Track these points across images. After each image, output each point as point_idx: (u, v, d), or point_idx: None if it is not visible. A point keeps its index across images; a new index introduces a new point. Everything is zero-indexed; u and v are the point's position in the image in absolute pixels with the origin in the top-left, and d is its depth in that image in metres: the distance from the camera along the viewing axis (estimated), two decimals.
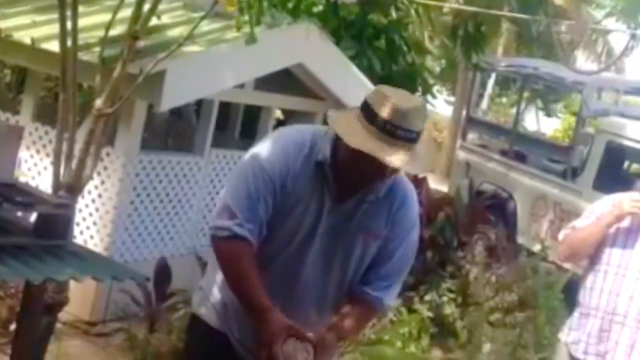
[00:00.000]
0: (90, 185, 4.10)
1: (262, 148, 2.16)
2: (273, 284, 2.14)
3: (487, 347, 4.79)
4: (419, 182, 5.98)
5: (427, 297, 5.03)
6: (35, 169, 4.40)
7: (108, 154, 4.14)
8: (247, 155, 2.19)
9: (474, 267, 5.00)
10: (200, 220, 4.83)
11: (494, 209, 6.74)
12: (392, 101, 2.02)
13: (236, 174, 2.21)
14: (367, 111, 2.05)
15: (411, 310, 4.78)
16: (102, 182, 4.22)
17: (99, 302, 4.25)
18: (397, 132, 2.02)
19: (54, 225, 2.51)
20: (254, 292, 2.12)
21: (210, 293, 2.31)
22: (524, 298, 4.90)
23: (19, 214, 2.83)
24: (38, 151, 4.40)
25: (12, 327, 3.79)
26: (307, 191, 2.12)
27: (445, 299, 4.98)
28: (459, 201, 6.17)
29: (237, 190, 2.13)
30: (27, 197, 2.47)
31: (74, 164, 3.13)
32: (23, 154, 4.30)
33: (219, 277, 2.27)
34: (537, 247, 6.07)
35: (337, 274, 2.22)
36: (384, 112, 2.02)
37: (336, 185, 2.12)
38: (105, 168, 4.19)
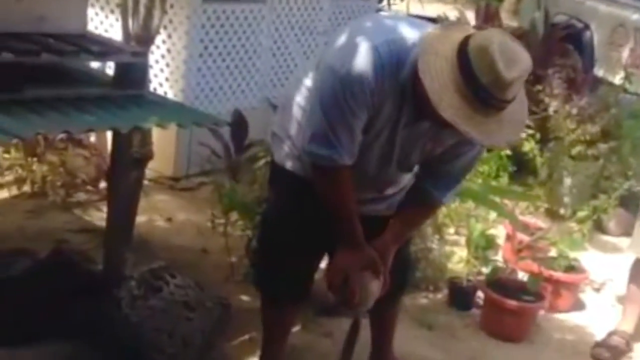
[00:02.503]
0: (157, 41, 4.04)
1: (351, 59, 1.98)
2: None
3: (568, 181, 4.72)
4: (491, 17, 5.70)
5: None
6: (102, 27, 4.36)
7: (172, 6, 4.04)
8: (334, 67, 2.02)
9: (552, 100, 4.80)
10: (268, 70, 4.76)
11: (570, 40, 6.38)
12: (498, 68, 1.79)
13: (329, 93, 2.04)
14: (466, 68, 1.82)
15: (489, 150, 4.69)
16: (169, 36, 4.16)
17: (180, 158, 4.34)
18: (491, 102, 1.83)
19: (132, 74, 2.51)
20: (351, 224, 2.16)
21: (292, 143, 2.28)
22: (606, 129, 4.72)
23: (95, 65, 2.82)
24: (102, 8, 4.34)
25: (101, 185, 3.94)
26: (389, 107, 2.04)
27: (523, 135, 4.85)
28: (534, 34, 5.86)
29: (333, 115, 2.02)
30: (103, 46, 2.45)
31: (140, 17, 3.06)
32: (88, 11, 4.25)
33: (298, 126, 2.24)
34: (616, 78, 5.78)
35: (407, 169, 2.27)
36: (485, 79, 1.80)
37: (415, 105, 2.02)
38: (170, 21, 4.11)
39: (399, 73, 1.98)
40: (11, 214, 3.68)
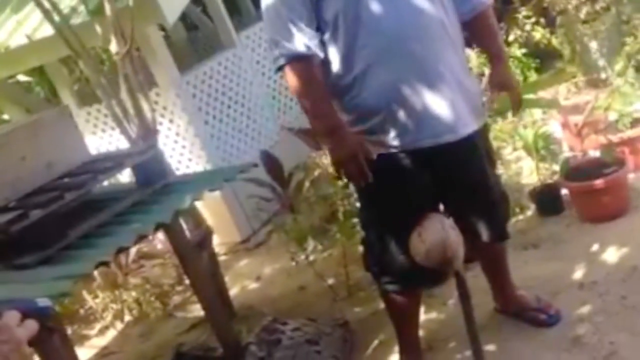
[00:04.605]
0: (164, 130, 4.18)
1: None
2: (399, 65, 2.16)
3: (593, 44, 4.59)
4: None
5: (511, 38, 4.83)
6: (112, 146, 4.52)
7: (158, 94, 4.17)
8: None
9: None
10: (271, 101, 4.84)
11: None
12: None
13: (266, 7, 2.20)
14: None
15: None
16: (171, 121, 4.28)
17: (239, 220, 4.42)
18: None
19: (152, 170, 2.60)
20: (331, 113, 2.19)
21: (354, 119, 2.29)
22: None
23: (118, 178, 2.92)
24: (103, 130, 4.51)
25: (186, 280, 4.05)
26: None
27: (528, 27, 4.76)
28: None
29: (270, 20, 2.17)
30: (113, 160, 2.55)
31: (133, 118, 3.18)
32: (92, 140, 4.42)
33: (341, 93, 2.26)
34: None
35: (437, 10, 2.20)
36: None
37: None
38: (164, 108, 4.23)
39: None
40: (127, 346, 3.83)
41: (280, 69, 2.21)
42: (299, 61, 2.15)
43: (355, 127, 2.25)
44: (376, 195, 2.31)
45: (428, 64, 2.18)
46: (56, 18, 3.05)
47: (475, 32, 2.44)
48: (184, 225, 3.07)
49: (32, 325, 1.08)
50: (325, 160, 3.82)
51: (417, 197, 2.30)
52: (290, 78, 2.18)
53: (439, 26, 2.20)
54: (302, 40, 2.14)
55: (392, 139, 2.24)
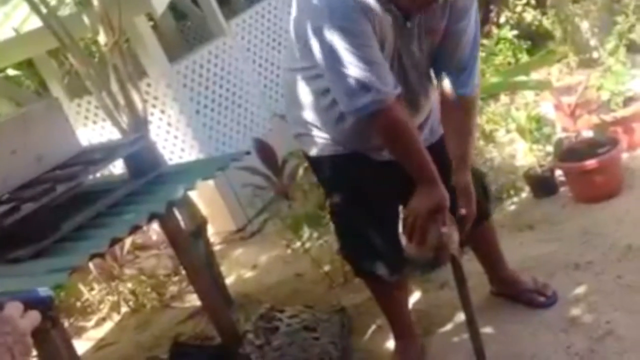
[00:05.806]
0: (155, 120, 4.16)
1: (330, 11, 1.98)
2: None
3: (584, 24, 4.58)
4: None
5: (502, 20, 4.82)
6: (103, 139, 4.49)
7: (148, 85, 4.15)
8: (317, 25, 2.01)
9: None
10: (263, 90, 4.81)
11: None
12: None
13: (330, 47, 2.02)
14: None
15: (497, 42, 4.61)
16: (163, 112, 4.26)
17: (234, 209, 4.42)
18: None
19: (143, 160, 2.58)
20: (423, 157, 2.13)
21: (319, 129, 2.31)
22: None
23: (112, 171, 2.90)
24: (95, 122, 4.49)
25: (183, 271, 4.05)
26: (383, 28, 2.05)
27: (519, 9, 4.75)
28: None
29: (349, 61, 2.00)
30: (103, 151, 2.53)
31: (124, 109, 3.16)
32: (83, 132, 4.39)
33: (315, 109, 2.26)
34: None
35: (426, 80, 2.27)
36: None
37: (400, 12, 2.05)
38: (155, 98, 4.21)
39: None
40: (123, 337, 3.82)
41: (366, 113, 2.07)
42: (391, 107, 2.04)
43: (329, 129, 2.28)
44: (361, 183, 2.32)
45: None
46: (43, 10, 3.02)
47: (447, 118, 2.33)
48: (179, 215, 3.06)
49: (35, 316, 1.08)
50: None
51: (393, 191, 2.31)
52: (385, 125, 2.08)
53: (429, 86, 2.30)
54: (388, 80, 2.04)
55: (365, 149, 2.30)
